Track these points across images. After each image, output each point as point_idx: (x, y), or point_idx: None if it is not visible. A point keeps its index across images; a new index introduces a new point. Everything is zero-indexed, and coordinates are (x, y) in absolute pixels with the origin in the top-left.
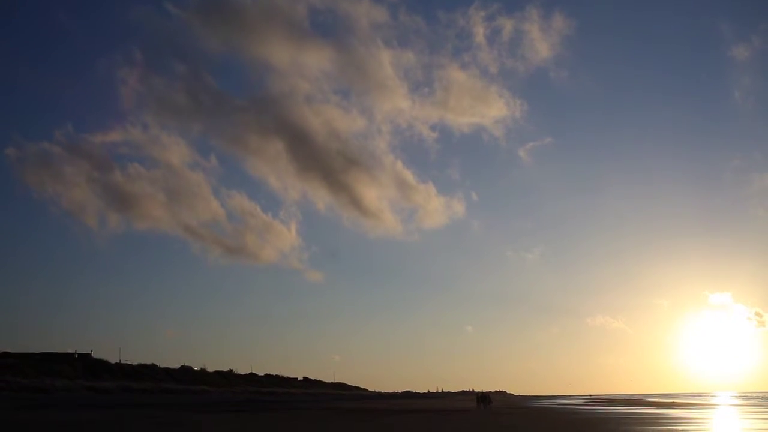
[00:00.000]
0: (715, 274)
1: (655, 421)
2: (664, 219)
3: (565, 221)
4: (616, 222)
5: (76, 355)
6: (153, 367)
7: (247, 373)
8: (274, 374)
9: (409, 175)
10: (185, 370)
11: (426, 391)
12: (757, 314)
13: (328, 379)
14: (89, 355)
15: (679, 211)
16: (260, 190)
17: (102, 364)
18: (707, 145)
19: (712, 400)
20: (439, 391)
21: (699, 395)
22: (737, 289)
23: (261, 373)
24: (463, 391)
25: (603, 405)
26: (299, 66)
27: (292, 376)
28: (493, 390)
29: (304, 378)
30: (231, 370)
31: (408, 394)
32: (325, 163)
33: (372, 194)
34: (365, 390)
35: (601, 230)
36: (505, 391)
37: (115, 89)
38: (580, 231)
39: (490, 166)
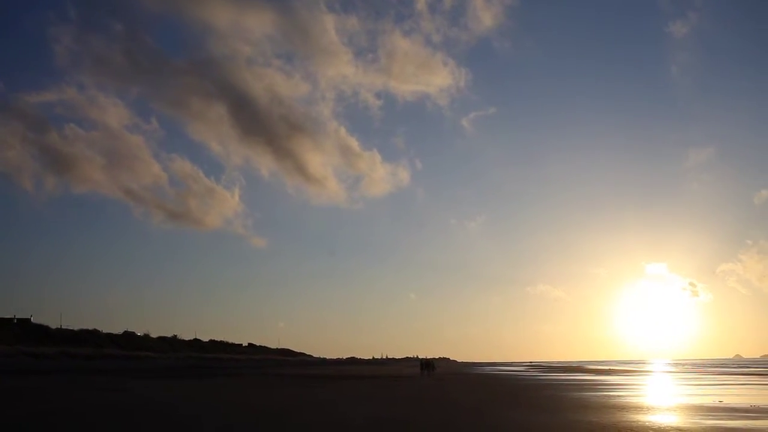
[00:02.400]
0: (651, 245)
1: (592, 386)
2: (603, 190)
3: (508, 190)
4: (557, 192)
5: (15, 320)
6: (95, 332)
7: (192, 339)
8: (218, 340)
9: (353, 142)
10: (128, 335)
11: (371, 358)
12: (691, 284)
13: (273, 345)
14: (29, 320)
15: (618, 183)
16: (202, 154)
17: (42, 329)
18: (646, 119)
19: (648, 367)
20: (384, 357)
21: (635, 362)
22: (672, 260)
23: (205, 339)
24: (407, 357)
25: (543, 371)
26: (241, 28)
27: (236, 342)
28: (436, 356)
29: (249, 344)
30: (175, 336)
31: (353, 361)
32: (268, 128)
33: (316, 161)
34: (310, 356)
35: (542, 200)
36: (448, 358)
37: (49, 47)
38: (522, 200)
39: (434, 135)
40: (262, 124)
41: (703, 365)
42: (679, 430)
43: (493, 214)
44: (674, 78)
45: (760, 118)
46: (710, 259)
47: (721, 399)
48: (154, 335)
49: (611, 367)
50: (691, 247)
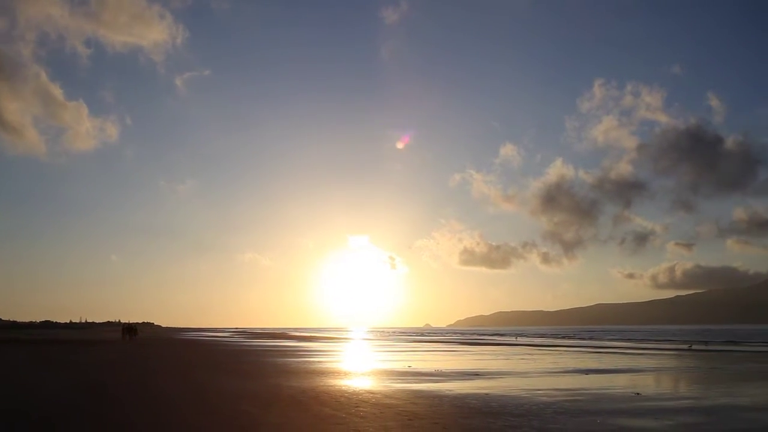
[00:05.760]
0: (355, 218)
1: (295, 353)
2: (313, 162)
3: (220, 156)
4: (268, 161)
5: None
6: None
7: None
8: None
9: (57, 91)
10: None
11: (68, 321)
12: (391, 258)
13: None
14: None
15: (328, 157)
16: None
17: None
18: (357, 98)
19: (348, 335)
20: (83, 321)
21: (337, 330)
22: (374, 233)
23: None
24: (109, 321)
25: (248, 337)
26: None
27: None
28: (140, 321)
29: None
30: None
31: (48, 324)
32: None
33: (12, 107)
34: None
35: (254, 168)
36: (152, 323)
37: None
38: (234, 167)
39: (146, 92)
40: None
41: (398, 333)
42: (371, 393)
43: (204, 179)
44: (384, 62)
45: (455, 108)
46: (408, 234)
47: (410, 364)
48: None
49: (314, 334)
50: (391, 222)
